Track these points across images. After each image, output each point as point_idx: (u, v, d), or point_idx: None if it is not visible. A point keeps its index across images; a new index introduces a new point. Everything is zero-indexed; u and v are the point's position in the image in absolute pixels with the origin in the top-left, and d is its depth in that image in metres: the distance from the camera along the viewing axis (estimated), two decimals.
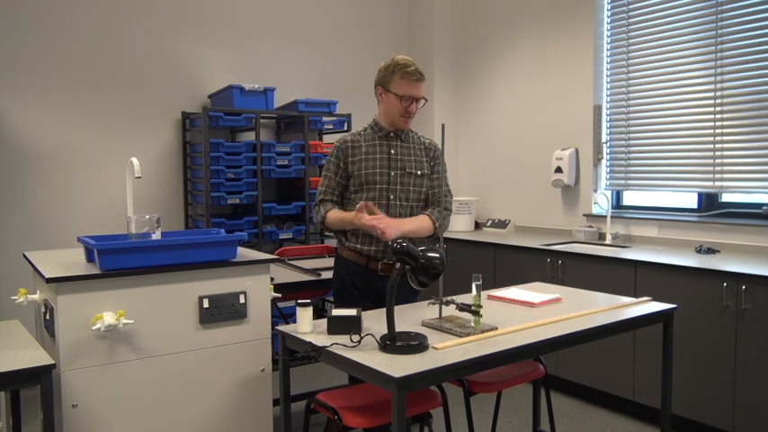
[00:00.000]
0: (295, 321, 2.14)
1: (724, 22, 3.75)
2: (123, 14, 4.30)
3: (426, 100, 2.71)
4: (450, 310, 2.24)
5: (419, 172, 2.73)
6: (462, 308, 2.14)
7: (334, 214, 2.69)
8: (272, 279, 2.64)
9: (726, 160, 3.78)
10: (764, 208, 3.64)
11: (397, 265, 1.97)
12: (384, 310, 1.99)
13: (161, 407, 2.27)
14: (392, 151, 2.71)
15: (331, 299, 4.31)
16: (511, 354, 1.97)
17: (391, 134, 2.74)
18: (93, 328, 2.07)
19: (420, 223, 2.67)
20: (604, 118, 4.45)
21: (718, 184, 3.83)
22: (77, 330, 2.09)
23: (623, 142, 4.35)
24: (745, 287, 3.03)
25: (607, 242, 4.19)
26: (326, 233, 5.07)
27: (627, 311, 2.42)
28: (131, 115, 4.36)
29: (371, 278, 2.68)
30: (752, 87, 3.65)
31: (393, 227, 2.50)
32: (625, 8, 4.28)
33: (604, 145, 4.43)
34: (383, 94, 2.69)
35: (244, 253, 2.58)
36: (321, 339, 2.01)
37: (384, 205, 2.65)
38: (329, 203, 2.73)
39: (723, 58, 3.76)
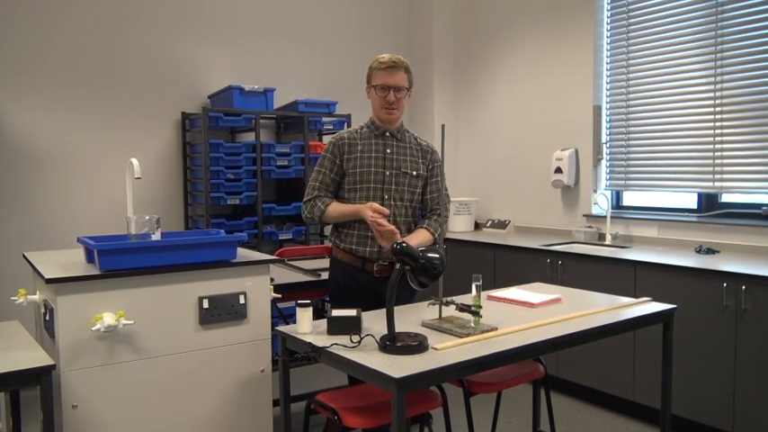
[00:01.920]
0: (295, 322, 2.14)
1: (724, 23, 3.75)
2: (123, 14, 4.30)
3: (408, 89, 2.69)
4: (450, 311, 2.24)
5: (414, 172, 2.72)
6: (462, 308, 2.14)
7: (335, 207, 2.66)
8: (271, 279, 2.64)
9: (726, 160, 3.78)
10: (764, 208, 3.64)
11: (397, 265, 1.97)
12: (384, 310, 1.99)
13: (161, 407, 2.27)
14: (388, 150, 2.70)
15: None
16: (511, 354, 1.97)
17: (387, 133, 2.73)
18: (93, 328, 2.06)
19: (421, 238, 2.65)
20: (604, 118, 4.45)
21: (717, 184, 3.83)
22: (77, 331, 2.09)
23: (623, 142, 4.35)
24: (745, 287, 3.03)
25: (607, 242, 4.19)
26: (326, 235, 5.08)
27: (627, 312, 2.42)
28: (131, 115, 4.36)
29: (367, 280, 2.67)
30: (752, 88, 3.65)
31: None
32: (625, 8, 4.28)
33: (604, 145, 4.43)
34: (368, 91, 2.73)
35: (243, 253, 2.58)
36: (321, 340, 2.01)
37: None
38: (326, 198, 2.70)
39: (723, 58, 3.76)
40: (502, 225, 4.93)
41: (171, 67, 4.50)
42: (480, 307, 2.12)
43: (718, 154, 3.82)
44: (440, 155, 2.72)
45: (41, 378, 1.91)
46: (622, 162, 4.37)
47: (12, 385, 2.00)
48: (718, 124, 3.81)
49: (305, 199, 2.75)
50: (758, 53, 3.61)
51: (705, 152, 3.88)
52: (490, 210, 5.23)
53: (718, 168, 3.82)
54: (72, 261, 2.39)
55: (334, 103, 4.77)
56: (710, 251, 3.65)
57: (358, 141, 2.71)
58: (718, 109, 3.80)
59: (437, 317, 2.24)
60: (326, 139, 4.98)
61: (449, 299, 2.23)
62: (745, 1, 3.65)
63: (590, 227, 4.39)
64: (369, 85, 2.73)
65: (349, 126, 4.77)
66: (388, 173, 2.68)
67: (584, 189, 4.51)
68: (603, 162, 4.46)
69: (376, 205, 2.54)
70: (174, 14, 4.49)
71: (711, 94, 3.83)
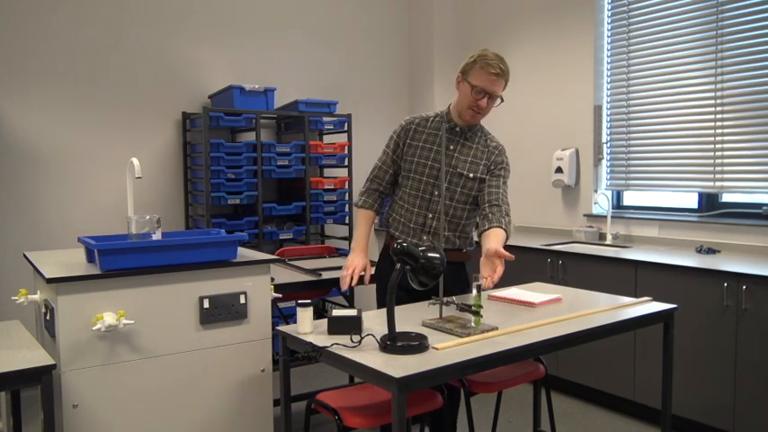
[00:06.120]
0: (295, 322, 2.14)
1: (724, 23, 3.75)
2: (123, 14, 4.30)
3: (502, 100, 2.61)
4: (450, 311, 2.24)
5: (471, 175, 2.65)
6: (463, 308, 2.14)
7: (359, 217, 2.73)
8: (272, 279, 2.64)
9: (726, 160, 3.78)
10: (765, 208, 3.64)
11: (398, 265, 1.97)
12: (384, 310, 1.99)
13: (161, 407, 2.27)
14: (450, 147, 2.64)
15: (331, 299, 4.33)
16: (511, 354, 1.97)
17: (457, 128, 2.67)
18: (94, 328, 2.06)
19: (503, 239, 2.62)
20: (605, 118, 4.45)
21: (718, 184, 3.83)
22: (78, 331, 2.09)
23: (623, 142, 4.35)
24: (746, 287, 3.03)
25: (607, 242, 4.19)
26: (327, 235, 5.09)
27: (627, 311, 2.42)
28: (132, 115, 4.36)
29: None
30: (752, 87, 3.65)
31: (499, 268, 2.34)
32: (625, 8, 4.28)
33: (605, 145, 4.43)
34: (461, 83, 2.60)
35: (244, 253, 2.58)
36: (321, 340, 2.01)
37: (427, 200, 2.63)
38: (369, 198, 2.75)
39: (723, 58, 3.76)
40: None
41: (171, 67, 4.50)
42: (481, 307, 2.12)
43: (718, 154, 3.82)
44: (506, 159, 2.71)
45: (42, 378, 1.91)
46: (623, 162, 4.37)
47: (12, 385, 1.99)
48: (718, 124, 3.81)
49: (363, 187, 2.81)
50: (758, 53, 3.61)
51: (705, 152, 3.88)
52: None
53: (718, 168, 3.82)
54: (72, 261, 2.39)
55: (335, 102, 4.77)
56: (711, 251, 3.65)
57: (425, 130, 2.67)
58: (718, 109, 3.80)
59: (437, 317, 2.24)
60: (327, 138, 4.99)
61: (449, 299, 2.24)
62: (745, 1, 3.65)
63: (590, 227, 4.39)
64: (464, 78, 2.58)
65: (349, 125, 4.77)
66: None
67: (585, 189, 4.51)
68: (604, 162, 4.46)
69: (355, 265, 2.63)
70: (175, 14, 4.49)
71: (712, 94, 3.83)
